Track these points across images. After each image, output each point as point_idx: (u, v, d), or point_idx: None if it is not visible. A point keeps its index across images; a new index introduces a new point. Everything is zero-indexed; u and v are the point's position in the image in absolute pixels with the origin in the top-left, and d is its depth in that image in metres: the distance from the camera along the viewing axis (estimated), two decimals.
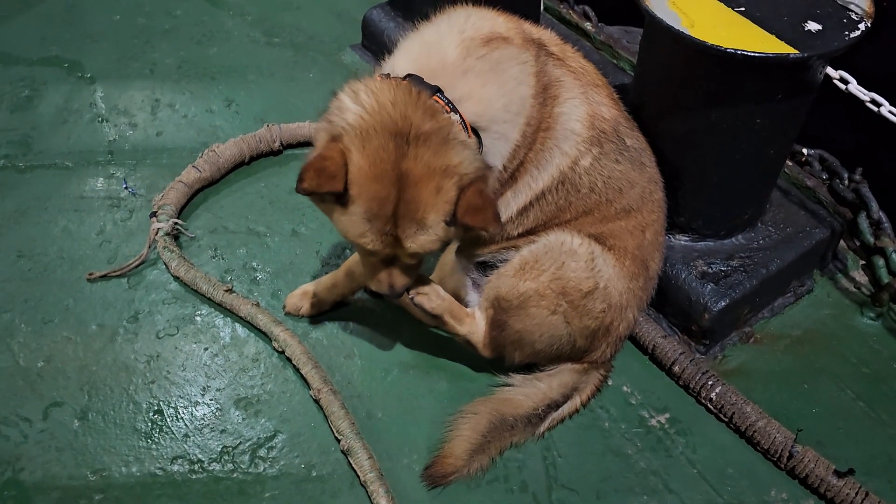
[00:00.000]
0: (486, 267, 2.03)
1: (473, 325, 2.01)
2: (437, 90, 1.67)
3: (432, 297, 1.96)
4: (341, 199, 1.63)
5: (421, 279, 1.95)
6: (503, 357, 2.03)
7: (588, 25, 3.01)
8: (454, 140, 1.62)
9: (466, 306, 2.06)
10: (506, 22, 1.83)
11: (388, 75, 1.73)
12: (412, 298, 1.95)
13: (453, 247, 2.06)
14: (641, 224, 1.95)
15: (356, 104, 1.63)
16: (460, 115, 1.68)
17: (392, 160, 1.59)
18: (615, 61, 2.88)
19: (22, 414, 1.99)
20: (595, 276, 1.88)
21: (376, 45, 3.09)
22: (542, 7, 2.98)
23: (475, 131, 1.73)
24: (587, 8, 3.08)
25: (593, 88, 1.89)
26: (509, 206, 1.89)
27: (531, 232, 1.93)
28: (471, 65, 1.72)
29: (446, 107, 1.67)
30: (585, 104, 1.85)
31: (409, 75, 1.70)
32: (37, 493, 1.84)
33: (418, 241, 1.66)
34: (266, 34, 3.33)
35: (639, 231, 1.94)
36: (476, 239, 1.96)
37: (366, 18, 3.15)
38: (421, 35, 1.82)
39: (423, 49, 1.77)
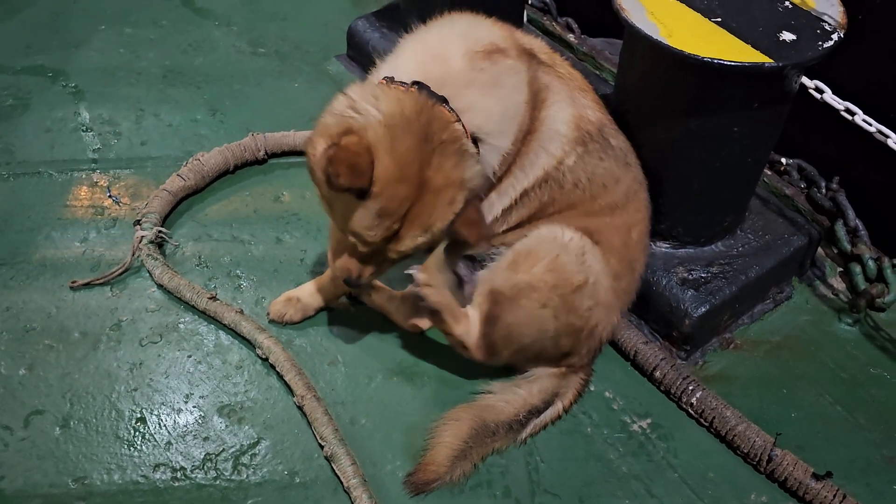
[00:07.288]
0: (473, 261, 2.03)
1: (468, 324, 1.96)
2: (443, 100, 1.72)
3: (438, 292, 1.92)
4: (362, 193, 1.65)
5: (431, 273, 1.92)
6: (493, 358, 2.00)
7: (571, 37, 3.05)
8: (468, 153, 1.70)
9: None
10: (501, 31, 1.88)
11: (391, 79, 1.75)
12: (419, 290, 1.90)
13: (441, 246, 2.06)
14: (628, 222, 1.97)
15: (375, 104, 1.66)
16: (463, 126, 1.73)
17: (418, 165, 1.65)
18: (597, 72, 2.91)
19: (2, 422, 1.98)
20: (585, 270, 1.89)
21: (361, 56, 3.11)
22: (525, 19, 3.01)
23: (474, 142, 1.77)
24: (570, 20, 3.12)
25: (580, 92, 1.93)
26: (494, 207, 1.92)
27: (516, 226, 1.96)
28: (474, 77, 1.78)
29: (453, 116, 1.71)
30: (571, 106, 1.89)
31: (415, 83, 1.73)
32: (17, 502, 1.83)
33: (416, 243, 1.73)
34: (251, 44, 3.35)
35: (625, 229, 1.97)
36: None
37: (351, 29, 3.17)
38: (424, 40, 1.86)
39: (427, 56, 1.81)
